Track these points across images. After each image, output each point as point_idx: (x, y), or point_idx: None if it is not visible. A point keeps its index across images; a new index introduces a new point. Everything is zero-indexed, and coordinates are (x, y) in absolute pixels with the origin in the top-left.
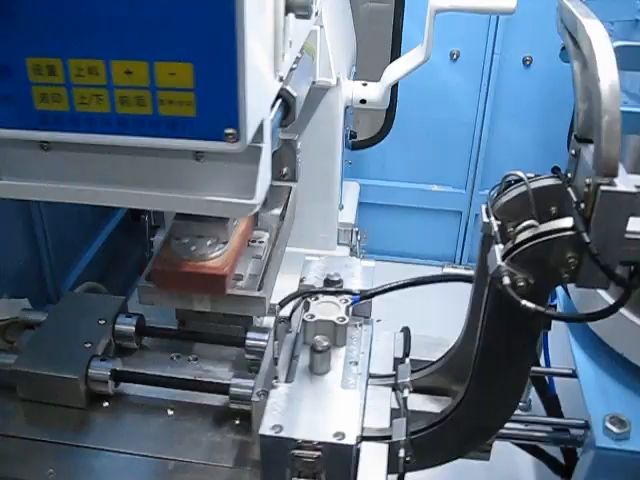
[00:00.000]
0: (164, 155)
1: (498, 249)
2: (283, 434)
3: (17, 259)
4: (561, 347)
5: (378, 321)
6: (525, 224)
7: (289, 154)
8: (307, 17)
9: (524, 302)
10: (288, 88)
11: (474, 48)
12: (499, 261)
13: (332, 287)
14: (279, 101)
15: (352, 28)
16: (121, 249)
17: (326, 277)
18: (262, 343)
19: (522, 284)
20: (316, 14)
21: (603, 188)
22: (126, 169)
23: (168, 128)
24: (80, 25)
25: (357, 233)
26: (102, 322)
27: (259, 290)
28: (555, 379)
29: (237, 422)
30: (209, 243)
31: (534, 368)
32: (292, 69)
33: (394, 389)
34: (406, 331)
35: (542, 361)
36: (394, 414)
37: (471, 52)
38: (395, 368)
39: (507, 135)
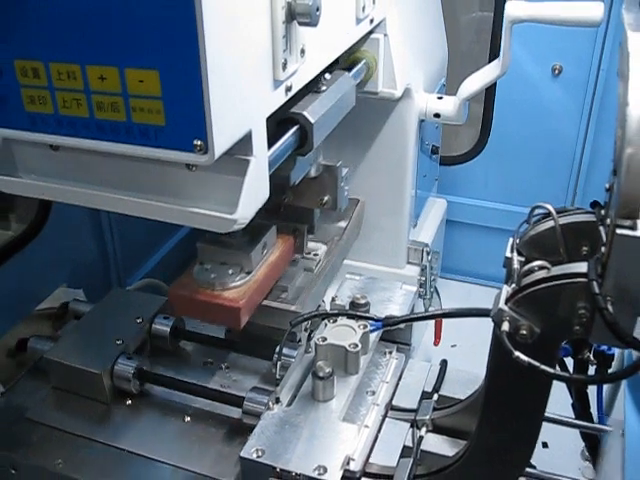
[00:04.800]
0: (157, 162)
1: (506, 289)
2: (263, 460)
3: (84, 254)
4: None
5: (453, 346)
6: (536, 264)
7: (330, 181)
8: (311, 24)
9: (517, 353)
10: (305, 113)
11: (578, 63)
12: (502, 303)
13: (357, 309)
14: (295, 127)
15: (441, 37)
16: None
17: (352, 299)
18: (290, 360)
19: (525, 332)
20: (371, 22)
21: (619, 232)
22: (118, 173)
23: (141, 136)
24: (58, 30)
25: (428, 253)
26: (139, 320)
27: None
28: None
29: None
30: (231, 272)
31: (582, 423)
32: (318, 90)
33: (413, 425)
34: (443, 364)
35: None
36: (407, 452)
37: (575, 67)
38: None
39: (611, 156)
